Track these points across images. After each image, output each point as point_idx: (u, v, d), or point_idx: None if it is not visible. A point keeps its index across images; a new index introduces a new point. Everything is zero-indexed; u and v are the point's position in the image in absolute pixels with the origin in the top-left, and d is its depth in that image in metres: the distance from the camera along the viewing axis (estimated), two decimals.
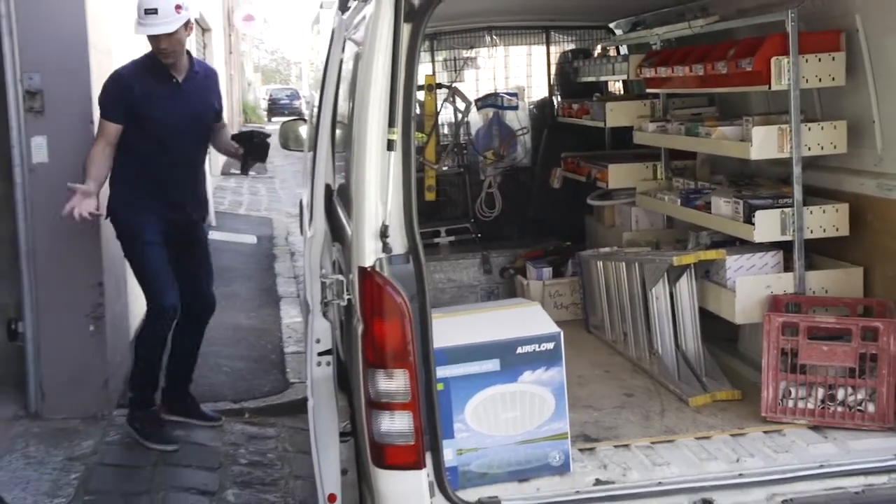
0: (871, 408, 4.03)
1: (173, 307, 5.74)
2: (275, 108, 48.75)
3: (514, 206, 7.10)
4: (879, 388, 4.02)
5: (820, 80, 4.44)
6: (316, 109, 4.81)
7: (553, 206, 6.97)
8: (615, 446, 4.03)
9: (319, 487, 3.81)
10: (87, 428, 5.99)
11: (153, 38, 5.63)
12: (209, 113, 6.10)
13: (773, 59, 4.40)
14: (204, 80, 6.10)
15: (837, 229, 4.52)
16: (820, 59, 4.41)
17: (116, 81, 5.81)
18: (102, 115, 5.72)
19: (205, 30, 18.53)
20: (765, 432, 4.10)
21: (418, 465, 3.39)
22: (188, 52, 5.93)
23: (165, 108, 5.73)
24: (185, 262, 6.05)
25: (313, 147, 4.50)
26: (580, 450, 3.95)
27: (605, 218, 6.45)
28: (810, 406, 4.14)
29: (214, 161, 18.54)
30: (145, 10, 5.55)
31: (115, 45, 7.05)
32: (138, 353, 6.00)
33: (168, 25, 5.54)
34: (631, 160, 6.10)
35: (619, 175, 6.01)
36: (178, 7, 5.57)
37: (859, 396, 4.06)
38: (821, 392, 4.13)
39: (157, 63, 5.75)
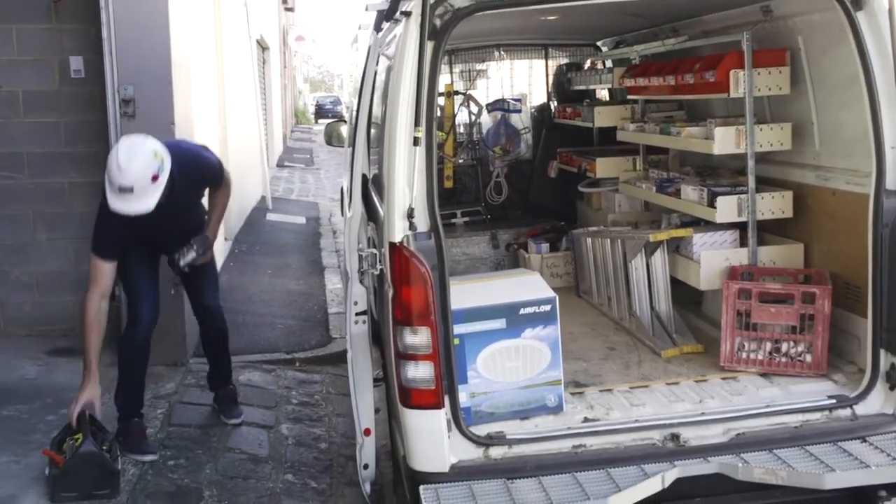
0: (808, 358, 4.04)
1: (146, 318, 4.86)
2: (320, 112, 48.56)
3: (518, 192, 7.09)
4: (816, 342, 4.02)
5: (769, 89, 4.40)
6: (354, 113, 4.81)
7: (550, 192, 6.93)
8: (600, 390, 4.04)
9: (357, 423, 3.84)
10: (169, 373, 6.02)
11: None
12: (196, 199, 5.01)
13: (731, 72, 4.38)
14: (183, 178, 4.54)
15: (783, 212, 4.50)
16: (770, 72, 4.38)
17: (108, 222, 4.50)
18: (98, 254, 4.54)
19: (264, 48, 18.47)
20: (722, 379, 4.12)
21: (438, 405, 3.41)
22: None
23: (148, 223, 4.44)
24: (189, 276, 5.15)
25: (352, 143, 4.50)
26: (571, 393, 3.96)
27: (593, 202, 6.42)
28: (760, 357, 4.15)
29: (271, 154, 18.57)
30: (119, 188, 4.23)
31: (192, 61, 7.06)
32: (120, 359, 4.93)
33: (147, 201, 4.27)
34: (615, 154, 6.06)
35: (604, 167, 5.97)
36: (154, 178, 4.27)
37: (799, 349, 4.06)
38: (768, 346, 4.13)
39: None
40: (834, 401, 3.70)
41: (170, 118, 6.08)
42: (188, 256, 4.88)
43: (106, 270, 4.54)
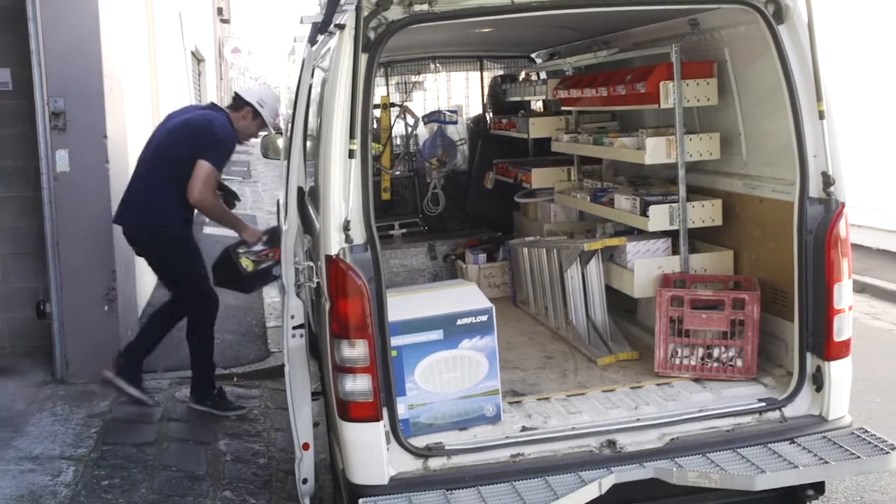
0: (739, 363, 4.12)
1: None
2: None
3: (455, 203, 7.11)
4: (746, 347, 4.10)
5: (698, 100, 4.49)
6: (289, 125, 4.77)
7: (487, 203, 6.96)
8: (538, 399, 4.07)
9: (295, 438, 3.80)
10: (103, 390, 5.87)
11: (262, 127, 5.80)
12: None
13: (661, 84, 4.45)
14: None
15: (713, 220, 4.58)
16: (698, 84, 4.46)
17: (228, 148, 5.53)
18: (216, 165, 5.33)
19: (199, 60, 18.25)
20: (657, 385, 4.17)
21: (376, 418, 3.40)
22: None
23: None
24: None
25: (287, 156, 4.46)
26: (509, 403, 3.98)
27: (530, 212, 6.46)
28: (693, 363, 4.21)
29: None
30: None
31: (125, 73, 6.94)
32: (201, 343, 5.68)
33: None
34: (550, 165, 6.11)
35: (540, 177, 6.01)
36: None
37: (730, 354, 4.13)
38: (701, 351, 4.20)
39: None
40: (764, 404, 3.78)
41: (102, 131, 5.98)
42: None
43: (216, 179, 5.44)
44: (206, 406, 5.71)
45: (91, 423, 5.38)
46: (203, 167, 5.23)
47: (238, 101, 5.71)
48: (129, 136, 6.91)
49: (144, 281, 8.07)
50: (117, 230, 6.11)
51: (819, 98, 3.63)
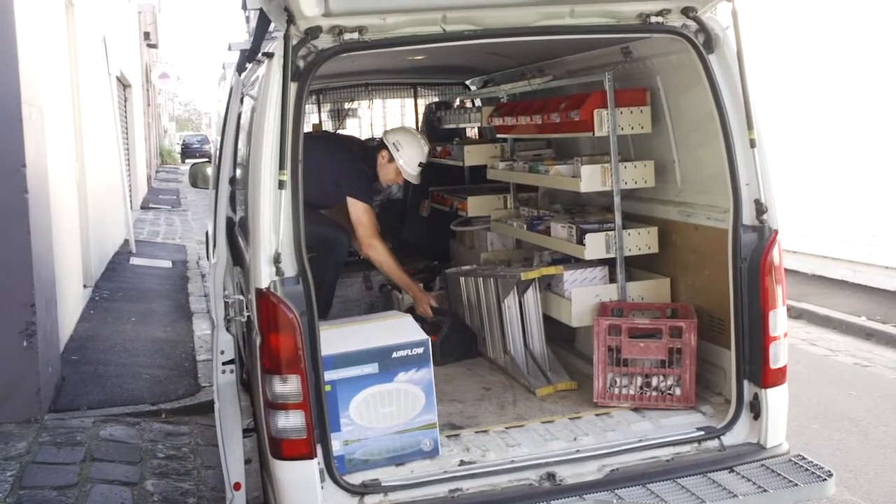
0: (678, 391, 4.16)
1: None
2: (187, 151, 47.56)
3: (391, 232, 7.07)
4: (684, 375, 4.15)
5: (632, 128, 4.56)
6: (218, 154, 4.73)
7: (423, 231, 6.95)
8: (476, 432, 4.05)
9: (226, 477, 3.73)
10: (21, 431, 5.70)
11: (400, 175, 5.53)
12: None
13: (595, 111, 4.51)
14: None
15: (650, 248, 4.64)
16: (631, 112, 4.54)
17: (369, 182, 5.56)
18: (369, 202, 5.46)
19: (125, 86, 17.99)
20: (596, 415, 4.19)
21: (310, 455, 3.35)
22: None
23: None
24: None
25: (216, 185, 4.41)
26: (447, 436, 3.95)
27: (466, 241, 6.47)
28: (632, 392, 4.24)
29: (135, 195, 18.05)
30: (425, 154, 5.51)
31: (45, 99, 6.79)
32: None
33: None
34: (486, 193, 6.13)
35: (476, 205, 6.03)
36: None
37: (669, 383, 4.18)
38: (639, 380, 4.24)
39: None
40: (703, 432, 3.82)
41: (20, 160, 5.83)
42: None
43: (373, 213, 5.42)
44: None
45: (7, 465, 5.19)
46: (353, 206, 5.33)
47: (381, 141, 5.57)
48: (49, 165, 6.76)
49: (67, 315, 7.87)
50: (37, 263, 5.95)
51: (750, 126, 3.71)
